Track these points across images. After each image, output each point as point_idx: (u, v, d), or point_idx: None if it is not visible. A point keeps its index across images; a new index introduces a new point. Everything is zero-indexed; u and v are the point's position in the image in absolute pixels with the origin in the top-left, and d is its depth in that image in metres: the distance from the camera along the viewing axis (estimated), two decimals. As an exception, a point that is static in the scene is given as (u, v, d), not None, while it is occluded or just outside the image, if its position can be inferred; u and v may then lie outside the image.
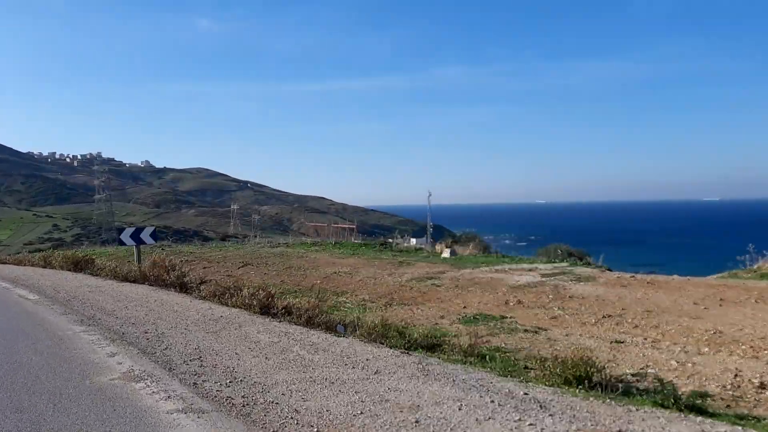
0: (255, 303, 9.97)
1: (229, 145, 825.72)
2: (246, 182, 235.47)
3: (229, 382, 5.82)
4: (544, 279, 15.11)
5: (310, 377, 5.91)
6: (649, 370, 7.55)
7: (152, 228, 16.17)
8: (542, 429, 4.44)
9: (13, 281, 15.52)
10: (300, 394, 5.41)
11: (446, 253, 22.18)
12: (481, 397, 5.24)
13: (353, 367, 6.27)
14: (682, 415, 4.86)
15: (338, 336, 8.35)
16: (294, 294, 14.25)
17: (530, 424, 4.52)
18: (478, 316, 12.10)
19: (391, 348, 7.58)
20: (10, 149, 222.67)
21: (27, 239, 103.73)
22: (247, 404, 5.16)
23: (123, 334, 8.07)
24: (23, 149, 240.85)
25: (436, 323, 11.73)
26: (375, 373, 6.08)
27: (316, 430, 4.57)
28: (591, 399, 5.30)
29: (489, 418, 4.69)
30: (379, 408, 4.99)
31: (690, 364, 7.80)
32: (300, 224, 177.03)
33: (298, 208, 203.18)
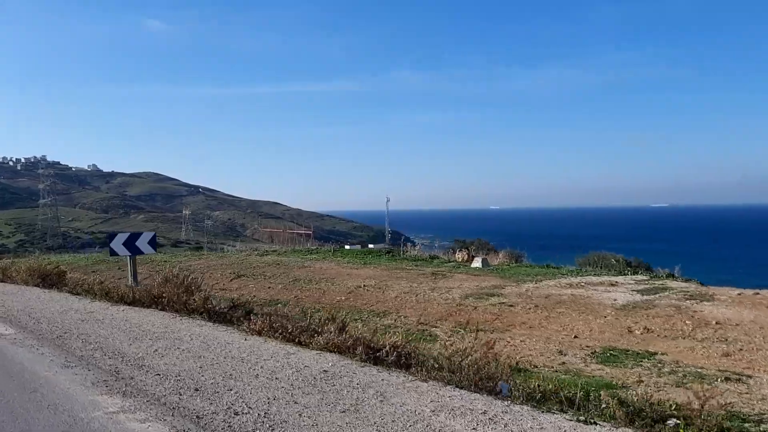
0: (355, 344, 6.77)
1: (180, 149, 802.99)
2: (197, 187, 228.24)
3: None
4: (647, 297, 12.33)
5: None
6: None
7: (152, 234, 12.59)
8: None
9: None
10: None
11: (477, 263, 19.24)
12: None
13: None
14: None
15: (503, 400, 5.30)
16: (325, 314, 11.03)
17: None
18: (611, 351, 9.20)
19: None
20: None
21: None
22: None
23: (198, 418, 4.72)
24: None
25: (563, 362, 8.79)
26: None
27: None
28: None
29: None
30: None
31: None
32: (254, 230, 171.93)
33: (251, 214, 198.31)
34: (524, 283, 15.22)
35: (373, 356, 6.74)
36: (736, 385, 7.17)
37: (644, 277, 15.04)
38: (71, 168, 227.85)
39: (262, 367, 6.18)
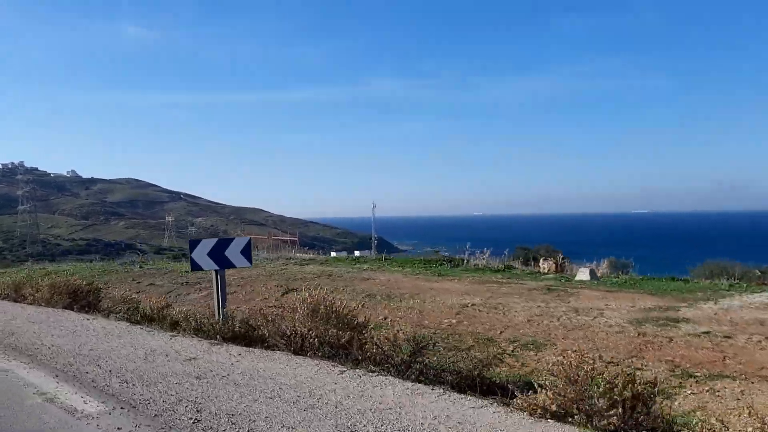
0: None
1: (161, 155, 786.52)
2: (179, 193, 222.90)
3: None
4: None
5: None
6: None
7: (245, 240, 9.05)
8: None
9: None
10: None
11: (584, 275, 16.06)
12: None
13: None
14: None
15: None
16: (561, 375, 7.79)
17: None
18: None
19: None
20: None
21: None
22: None
23: None
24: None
25: None
26: None
27: None
28: None
29: None
30: None
31: None
32: (237, 236, 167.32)
33: (234, 220, 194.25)
34: (702, 302, 12.00)
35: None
36: None
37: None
38: (50, 174, 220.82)
39: None
